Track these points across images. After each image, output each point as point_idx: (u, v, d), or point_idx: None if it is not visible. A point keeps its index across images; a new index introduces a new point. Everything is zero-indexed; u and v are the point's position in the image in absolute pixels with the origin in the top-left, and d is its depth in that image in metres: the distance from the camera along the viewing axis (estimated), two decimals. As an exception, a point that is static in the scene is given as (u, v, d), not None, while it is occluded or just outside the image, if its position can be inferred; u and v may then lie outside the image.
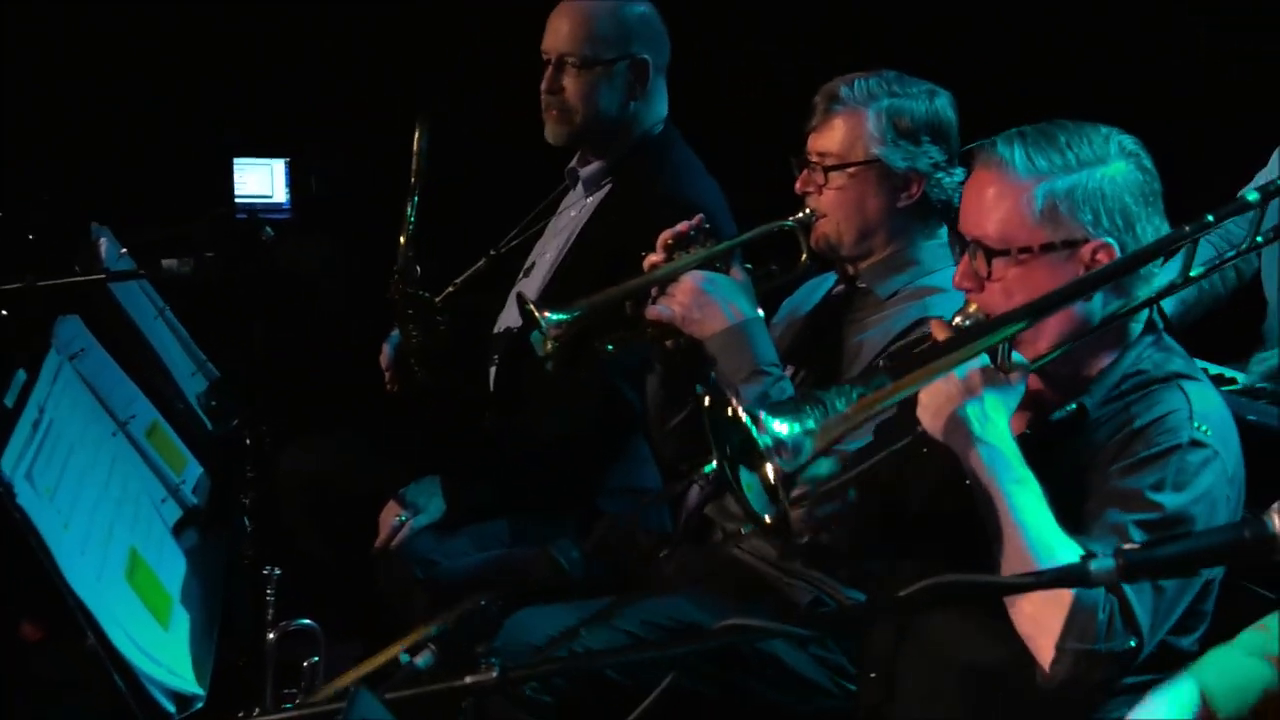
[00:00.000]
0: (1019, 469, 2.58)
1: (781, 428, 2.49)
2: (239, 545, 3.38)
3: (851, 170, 3.42)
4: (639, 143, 4.24)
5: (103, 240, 3.95)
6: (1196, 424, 2.61)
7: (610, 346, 3.49)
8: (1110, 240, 2.66)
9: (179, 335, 4.07)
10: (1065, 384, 2.74)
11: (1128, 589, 2.50)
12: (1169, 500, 2.57)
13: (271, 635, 2.97)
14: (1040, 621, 2.51)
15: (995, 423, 2.60)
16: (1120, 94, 4.84)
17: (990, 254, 2.69)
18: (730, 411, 2.55)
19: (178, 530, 3.23)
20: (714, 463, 2.68)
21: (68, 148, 5.57)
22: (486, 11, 5.62)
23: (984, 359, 2.63)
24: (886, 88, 3.42)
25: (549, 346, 3.43)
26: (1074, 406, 2.70)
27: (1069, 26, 5.01)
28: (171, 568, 3.07)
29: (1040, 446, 2.66)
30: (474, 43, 5.72)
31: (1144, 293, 2.71)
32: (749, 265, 3.51)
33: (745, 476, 2.60)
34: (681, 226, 3.46)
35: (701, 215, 3.50)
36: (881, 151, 3.40)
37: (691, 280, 3.39)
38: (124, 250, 3.97)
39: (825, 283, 3.66)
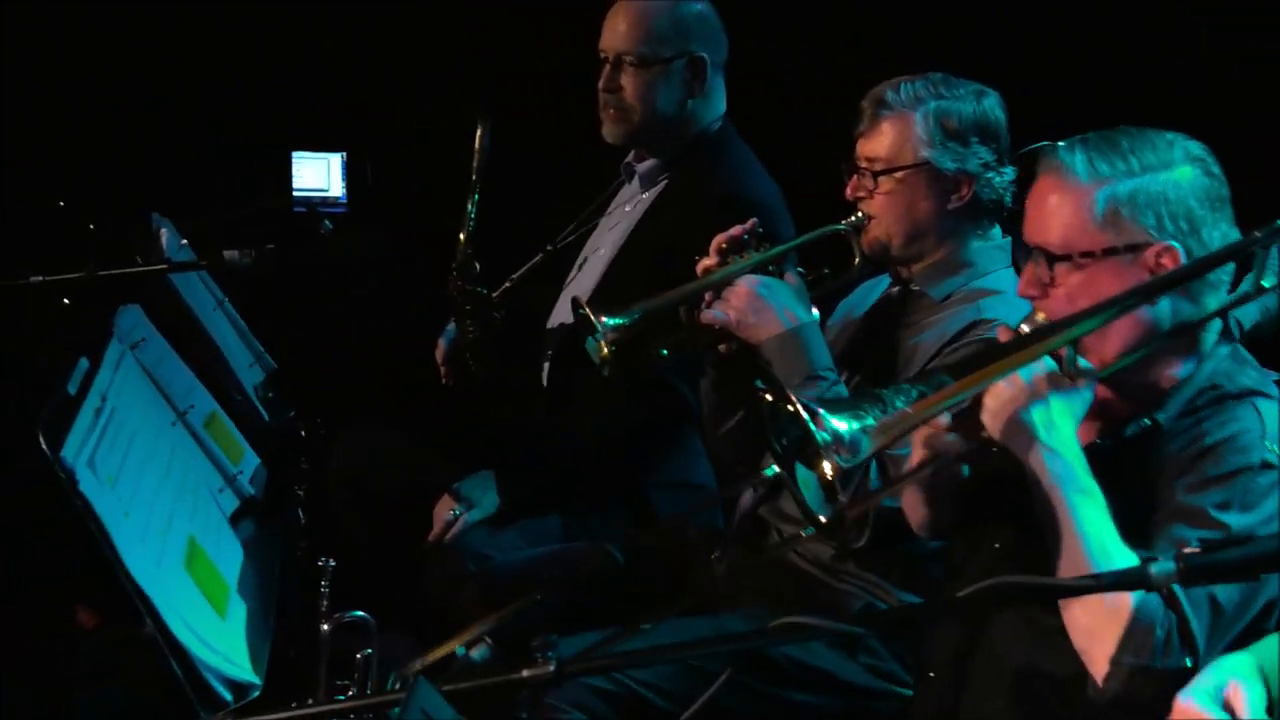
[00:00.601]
0: (1084, 478, 2.55)
1: (840, 424, 2.48)
2: (294, 536, 3.41)
3: (900, 174, 3.41)
4: (696, 140, 4.24)
5: (164, 231, 3.98)
6: (1269, 444, 2.58)
7: (665, 351, 3.49)
8: (1175, 244, 2.62)
9: (237, 327, 4.10)
10: (1137, 394, 2.69)
11: (1186, 607, 2.47)
12: (1235, 520, 2.53)
13: (325, 626, 2.98)
14: (1096, 634, 2.49)
15: (1061, 429, 2.57)
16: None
17: (1052, 259, 2.66)
18: (790, 407, 2.54)
19: (235, 520, 3.25)
20: (772, 464, 2.68)
21: (131, 140, 5.62)
22: (543, 7, 5.64)
23: (1049, 363, 2.60)
24: (933, 90, 3.41)
25: (605, 352, 3.43)
26: (1148, 422, 2.66)
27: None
28: (229, 557, 3.09)
29: (1110, 459, 2.63)
30: (531, 38, 5.73)
31: (1214, 302, 2.66)
32: (801, 269, 3.51)
33: (802, 474, 2.59)
34: (735, 230, 3.46)
35: (755, 220, 3.50)
36: (930, 154, 3.39)
37: (746, 285, 3.39)
38: (184, 241, 4.00)
39: (880, 284, 3.65)
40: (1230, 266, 2.66)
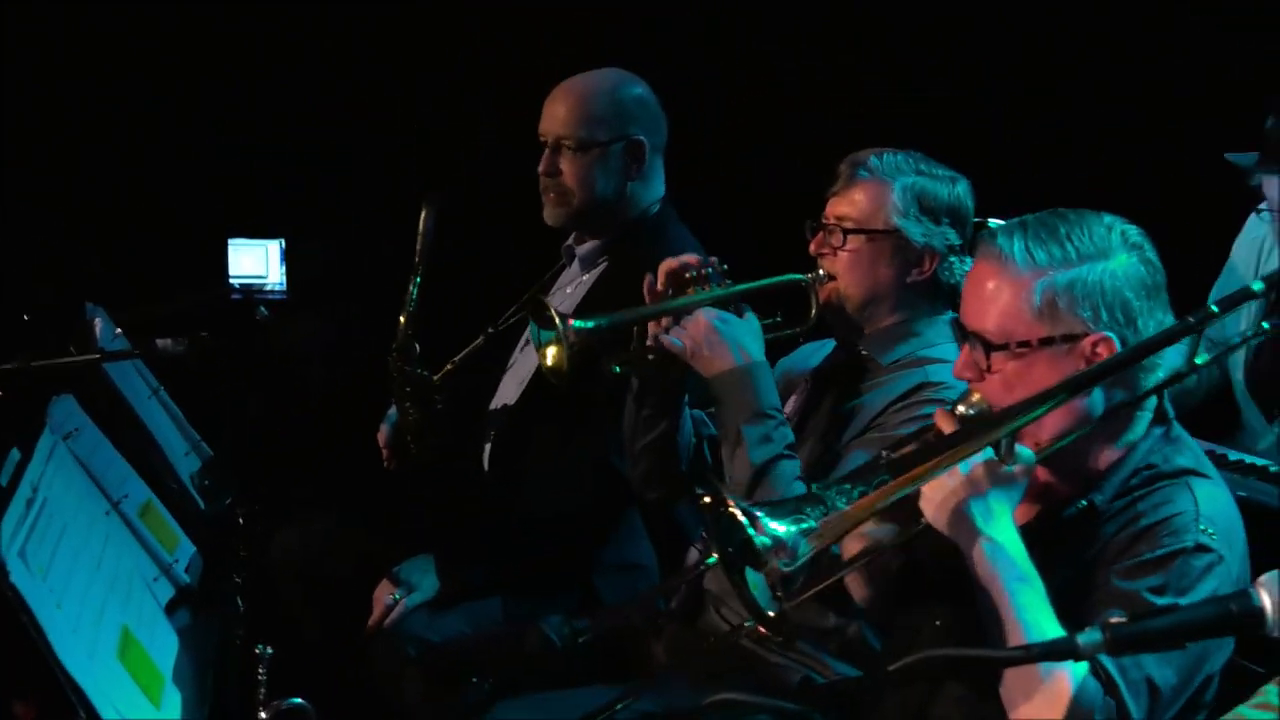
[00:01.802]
0: (1022, 565, 2.56)
1: (780, 528, 2.50)
2: (231, 624, 3.38)
3: (869, 236, 3.46)
4: (636, 223, 4.26)
5: (98, 320, 3.96)
6: (1203, 526, 2.59)
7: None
8: (1111, 334, 2.63)
9: (173, 415, 4.08)
10: (1072, 475, 2.71)
11: (1124, 691, 2.48)
12: (1170, 605, 2.53)
13: (263, 715, 2.96)
14: (1035, 718, 2.48)
15: (999, 517, 2.59)
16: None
17: (989, 348, 2.68)
18: (728, 511, 2.56)
19: (170, 609, 3.24)
20: (714, 557, 2.69)
21: (64, 228, 5.60)
22: (484, 92, 5.68)
23: (987, 451, 2.61)
24: (913, 165, 3.48)
25: (559, 355, 3.47)
26: (1084, 503, 2.68)
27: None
28: (164, 646, 3.07)
29: (1048, 540, 2.65)
30: (472, 121, 5.77)
31: (1149, 383, 2.68)
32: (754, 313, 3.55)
33: (750, 574, 2.60)
34: (690, 258, 3.50)
35: (716, 258, 3.53)
36: (902, 223, 3.45)
37: (705, 316, 3.43)
38: (119, 330, 3.99)
39: (824, 347, 3.70)
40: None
